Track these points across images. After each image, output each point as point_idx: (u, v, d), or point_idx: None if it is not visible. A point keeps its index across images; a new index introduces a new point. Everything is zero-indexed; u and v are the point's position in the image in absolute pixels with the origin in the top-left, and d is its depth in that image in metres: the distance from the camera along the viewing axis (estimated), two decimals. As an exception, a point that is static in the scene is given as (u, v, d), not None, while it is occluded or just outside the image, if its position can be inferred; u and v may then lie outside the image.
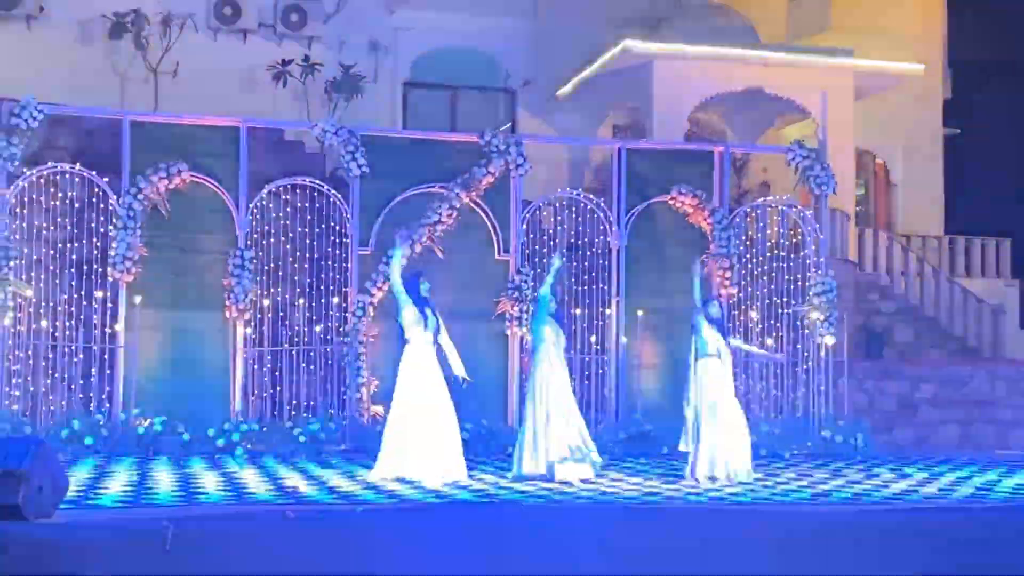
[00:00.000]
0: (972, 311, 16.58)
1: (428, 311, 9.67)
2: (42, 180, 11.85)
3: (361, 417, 11.85)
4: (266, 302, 12.18)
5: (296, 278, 12.44)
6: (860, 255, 17.15)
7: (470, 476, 9.77)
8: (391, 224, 12.37)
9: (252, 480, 9.51)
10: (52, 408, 11.60)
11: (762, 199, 14.14)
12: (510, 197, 12.77)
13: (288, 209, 12.51)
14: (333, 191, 12.47)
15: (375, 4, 16.87)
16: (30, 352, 11.58)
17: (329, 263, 12.43)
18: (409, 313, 9.55)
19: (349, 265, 12.30)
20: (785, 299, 13.37)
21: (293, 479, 9.57)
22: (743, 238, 13.43)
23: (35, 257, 11.77)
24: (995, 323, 16.52)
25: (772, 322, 13.30)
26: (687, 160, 13.55)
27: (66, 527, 7.06)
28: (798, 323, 13.29)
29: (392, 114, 16.96)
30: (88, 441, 11.16)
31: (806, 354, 13.21)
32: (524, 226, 12.86)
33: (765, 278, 13.42)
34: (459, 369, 9.89)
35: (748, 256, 13.41)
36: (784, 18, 18.92)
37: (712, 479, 9.91)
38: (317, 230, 12.47)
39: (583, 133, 17.64)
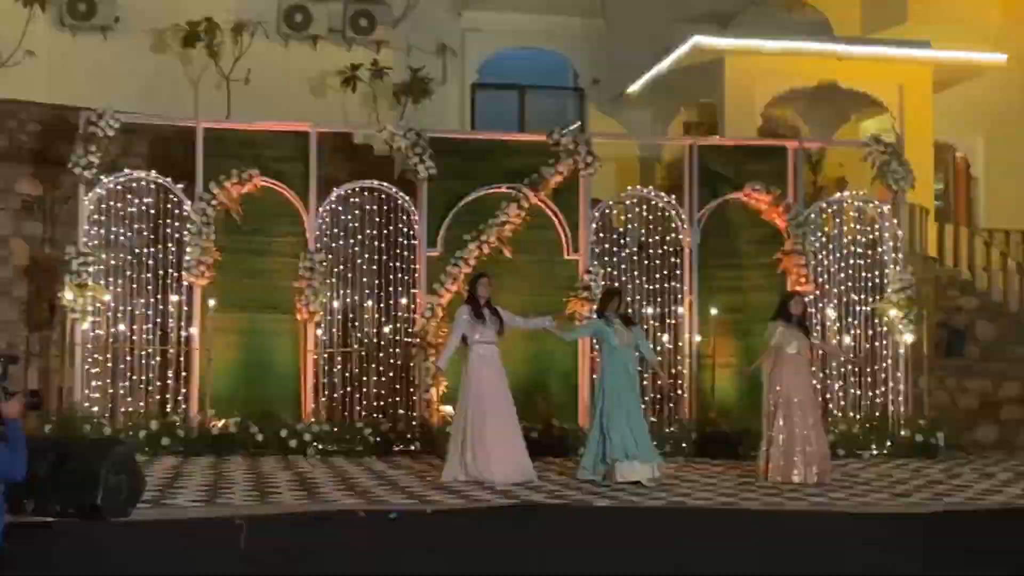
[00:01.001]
0: (1058, 307, 16.03)
1: (486, 312, 9.67)
2: (119, 188, 12.06)
3: (431, 418, 11.85)
4: (336, 304, 12.25)
5: (365, 280, 12.49)
6: (940, 251, 16.73)
7: (540, 477, 9.71)
8: (459, 225, 12.37)
9: (323, 480, 9.57)
10: (130, 409, 11.78)
11: (838, 195, 13.86)
12: (579, 196, 12.68)
13: (357, 212, 12.58)
14: (401, 193, 12.51)
15: (443, 6, 16.92)
16: (109, 355, 11.79)
17: (398, 265, 12.47)
18: (464, 318, 9.65)
19: (417, 267, 12.32)
20: (863, 296, 13.08)
21: (364, 482, 9.61)
22: (819, 235, 13.17)
23: (113, 263, 11.98)
24: (1081, 319, 15.95)
25: (849, 320, 13.02)
26: (760, 156, 13.32)
27: (143, 526, 7.16)
28: (876, 321, 12.99)
29: (460, 115, 16.98)
30: (165, 442, 11.33)
31: (885, 352, 12.91)
32: (594, 225, 12.76)
33: (842, 275, 13.14)
34: (543, 322, 9.99)
35: (824, 253, 13.14)
36: (859, 11, 18.53)
37: (788, 480, 9.73)
38: (385, 232, 12.52)
39: (654, 131, 17.50)
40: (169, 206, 12.17)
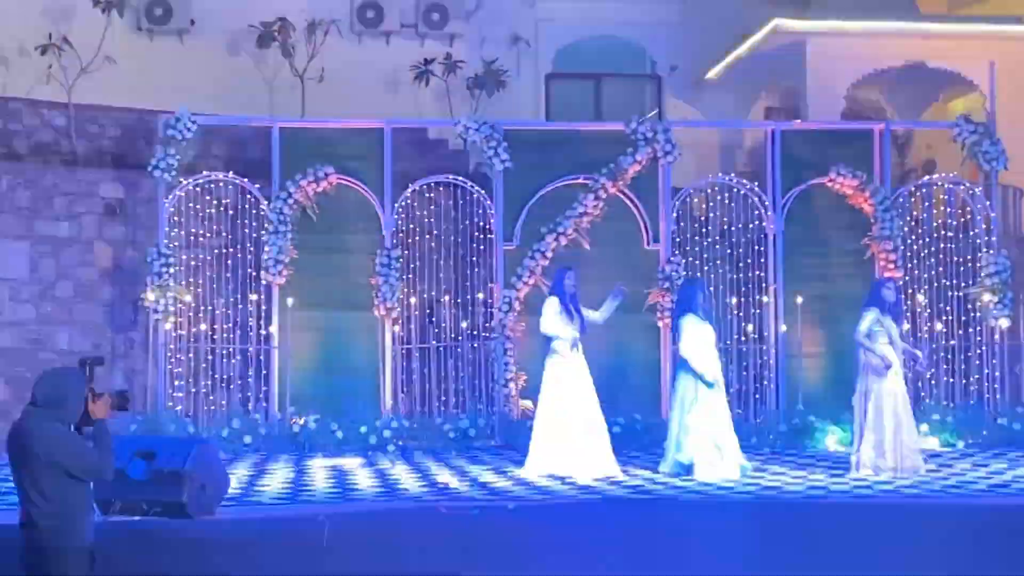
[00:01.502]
0: None
1: (571, 308, 9.52)
2: (198, 189, 12.18)
3: (510, 412, 11.75)
4: (413, 300, 12.22)
5: (442, 275, 12.45)
6: (1036, 232, 16.14)
7: (624, 472, 9.54)
8: (536, 218, 12.24)
9: (404, 476, 9.53)
10: (212, 408, 11.91)
11: (927, 177, 13.45)
12: (658, 185, 12.45)
13: (432, 207, 12.54)
14: (477, 187, 12.43)
15: (516, -3, 16.78)
16: (191, 355, 11.92)
17: (474, 259, 12.39)
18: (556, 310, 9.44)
19: (494, 261, 12.21)
20: (955, 281, 12.66)
21: (443, 475, 9.53)
22: (908, 219, 12.79)
23: (193, 263, 12.11)
24: None
25: (941, 306, 12.61)
26: (845, 140, 12.98)
27: (228, 524, 7.21)
28: (970, 306, 12.57)
29: (535, 107, 16.80)
30: (247, 440, 11.39)
31: (979, 339, 12.48)
32: (674, 214, 12.52)
33: (932, 260, 12.74)
34: (612, 303, 9.68)
35: (914, 238, 12.76)
36: (946, -13, 17.96)
37: (878, 471, 9.44)
38: (461, 227, 12.46)
39: (734, 116, 17.14)
40: (247, 206, 12.26)
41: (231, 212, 12.33)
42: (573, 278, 9.66)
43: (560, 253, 12.05)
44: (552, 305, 9.56)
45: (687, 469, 9.36)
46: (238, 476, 9.27)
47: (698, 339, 9.40)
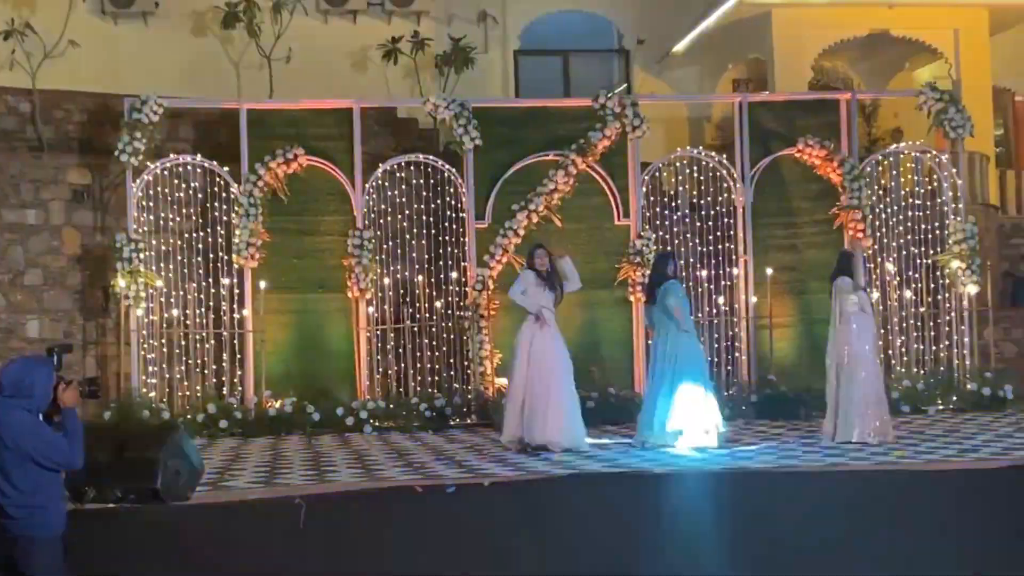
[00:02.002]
0: None
1: (546, 281, 9.59)
2: (166, 172, 12.11)
3: (486, 390, 11.79)
4: (386, 280, 12.21)
5: (415, 255, 12.43)
6: (1002, 198, 16.30)
7: (597, 445, 9.61)
8: (507, 196, 12.24)
9: (381, 457, 9.56)
10: (187, 393, 11.87)
11: (894, 146, 13.53)
12: (628, 160, 12.47)
13: (404, 187, 12.50)
14: (447, 166, 12.41)
15: (482, -27, 16.68)
16: (163, 340, 11.87)
17: (447, 238, 12.38)
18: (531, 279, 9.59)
19: (467, 239, 12.22)
20: (923, 249, 12.78)
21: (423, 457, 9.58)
22: (876, 187, 12.87)
23: (163, 248, 12.04)
24: None
25: (910, 273, 12.72)
26: (812, 110, 13.01)
27: (203, 509, 7.19)
28: (938, 273, 12.69)
29: (504, 84, 16.77)
30: (223, 424, 11.37)
31: (948, 305, 12.61)
32: (644, 189, 12.56)
33: (901, 228, 12.84)
34: (569, 271, 9.80)
35: (882, 206, 12.85)
36: (910, -45, 17.98)
37: (851, 440, 9.54)
38: (433, 206, 12.43)
39: (702, 89, 17.19)
40: (216, 189, 12.19)
41: (200, 195, 12.26)
42: (543, 255, 9.73)
43: (531, 230, 12.06)
44: (527, 277, 9.66)
45: (675, 436, 9.45)
46: (214, 461, 9.27)
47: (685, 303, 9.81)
